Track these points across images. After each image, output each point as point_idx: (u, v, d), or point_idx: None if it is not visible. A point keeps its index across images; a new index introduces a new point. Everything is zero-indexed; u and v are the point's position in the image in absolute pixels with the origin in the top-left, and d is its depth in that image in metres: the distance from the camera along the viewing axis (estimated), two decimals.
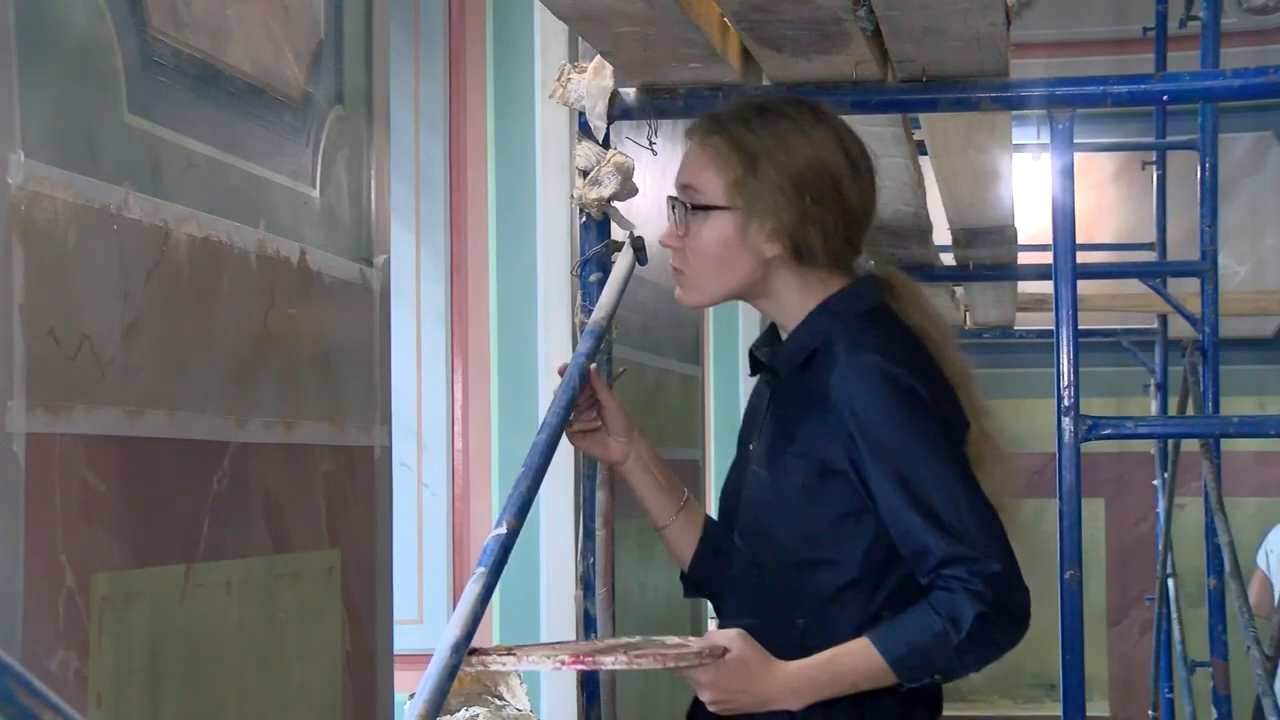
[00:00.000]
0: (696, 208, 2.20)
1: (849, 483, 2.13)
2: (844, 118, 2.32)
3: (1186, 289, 5.98)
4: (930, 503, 2.10)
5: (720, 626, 2.19)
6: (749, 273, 2.20)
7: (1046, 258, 3.25)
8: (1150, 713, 7.38)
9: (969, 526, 2.10)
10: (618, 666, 2.09)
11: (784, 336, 2.25)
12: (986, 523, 2.12)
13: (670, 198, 2.24)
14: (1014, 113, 3.82)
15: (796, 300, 2.22)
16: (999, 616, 2.08)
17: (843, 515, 2.14)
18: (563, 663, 2.09)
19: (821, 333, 2.19)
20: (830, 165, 2.20)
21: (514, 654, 2.12)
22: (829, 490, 2.14)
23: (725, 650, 2.08)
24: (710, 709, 2.14)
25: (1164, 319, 7.20)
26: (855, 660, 2.09)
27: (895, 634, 2.09)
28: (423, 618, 4.42)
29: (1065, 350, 2.82)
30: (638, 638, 2.29)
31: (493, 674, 3.85)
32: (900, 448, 2.12)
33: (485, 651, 2.11)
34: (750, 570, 2.18)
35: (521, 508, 2.08)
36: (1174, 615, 6.77)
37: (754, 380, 2.34)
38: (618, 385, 2.97)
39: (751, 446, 2.23)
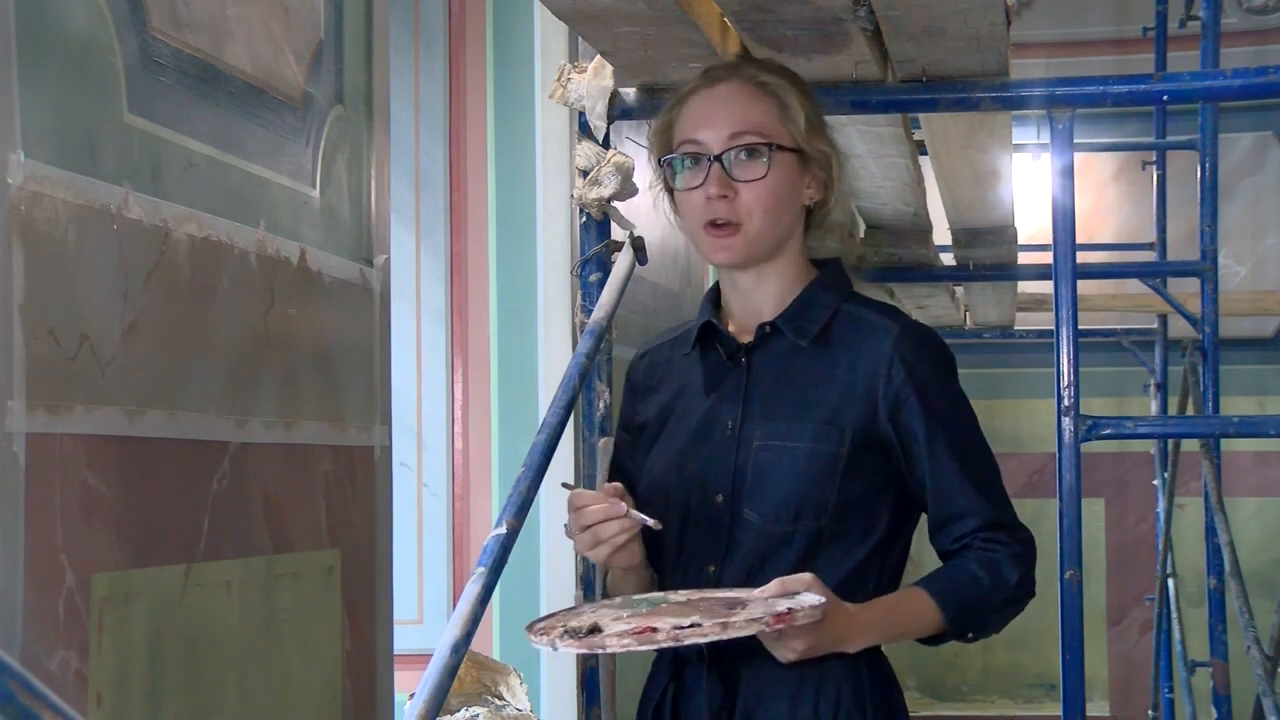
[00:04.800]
0: (781, 148, 2.17)
1: (883, 452, 2.16)
2: (844, 118, 2.33)
3: (1186, 289, 5.98)
4: (977, 469, 2.19)
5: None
6: (792, 220, 2.22)
7: (1046, 258, 3.25)
8: (1150, 713, 7.38)
9: (1001, 494, 2.21)
10: (748, 631, 1.93)
11: (749, 314, 2.23)
12: (1005, 491, 2.23)
13: (713, 157, 2.16)
14: (1014, 113, 3.82)
15: (795, 268, 2.23)
16: (1028, 579, 2.18)
17: (874, 487, 2.16)
18: (700, 627, 1.90)
19: (828, 305, 2.22)
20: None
21: (721, 625, 1.92)
22: (864, 461, 2.15)
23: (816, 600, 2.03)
24: (787, 659, 2.07)
25: (1164, 319, 7.20)
26: (914, 609, 2.14)
27: (948, 588, 2.15)
28: (423, 618, 4.42)
29: (1065, 350, 2.82)
30: (680, 595, 2.11)
31: (492, 673, 3.85)
32: (956, 415, 2.19)
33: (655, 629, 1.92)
34: (762, 540, 2.15)
35: (521, 508, 2.08)
36: (1174, 615, 6.77)
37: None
38: (618, 384, 2.97)
39: (729, 424, 2.20)
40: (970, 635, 2.18)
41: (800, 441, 2.15)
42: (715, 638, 1.93)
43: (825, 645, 2.07)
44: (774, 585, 2.03)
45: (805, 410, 2.17)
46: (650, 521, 2.11)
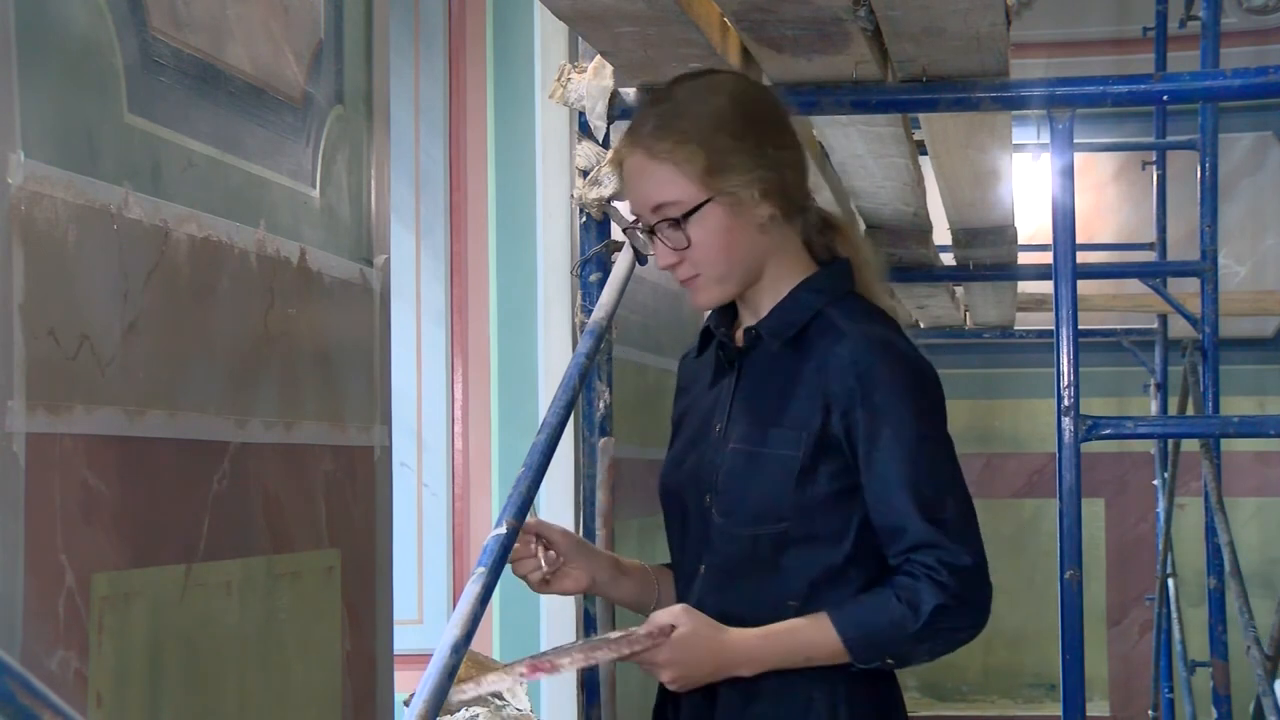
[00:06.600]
0: (685, 217, 2.15)
1: (843, 455, 2.14)
2: (844, 118, 2.31)
3: (1186, 289, 5.98)
4: (918, 483, 2.11)
5: (699, 600, 2.17)
6: (754, 245, 2.18)
7: (1046, 258, 3.25)
8: (1150, 713, 7.38)
9: (949, 515, 2.12)
10: (575, 665, 2.08)
11: (749, 317, 2.24)
12: (965, 514, 2.14)
13: (647, 229, 2.18)
14: (1014, 113, 3.82)
15: (784, 274, 2.21)
16: (958, 609, 2.09)
17: (839, 491, 2.14)
18: (522, 674, 2.09)
19: (810, 307, 2.20)
20: (764, 108, 2.23)
21: (474, 681, 2.11)
22: (824, 463, 2.14)
23: (672, 627, 2.09)
24: (672, 688, 2.14)
25: (1164, 319, 7.20)
26: (812, 636, 2.10)
27: (854, 614, 2.10)
28: (423, 618, 4.42)
29: (1065, 350, 2.82)
30: (594, 637, 2.29)
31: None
32: (900, 423, 2.12)
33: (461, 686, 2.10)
34: (732, 542, 2.17)
35: (521, 508, 2.08)
36: (1174, 615, 6.77)
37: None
38: (618, 384, 2.98)
39: (718, 427, 2.21)
40: (889, 662, 2.13)
41: (763, 445, 2.16)
42: (581, 665, 2.10)
43: (703, 671, 2.11)
44: (650, 619, 2.11)
45: (773, 414, 2.17)
46: (544, 561, 2.21)
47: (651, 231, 2.18)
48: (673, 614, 2.10)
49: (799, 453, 2.14)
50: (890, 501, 2.11)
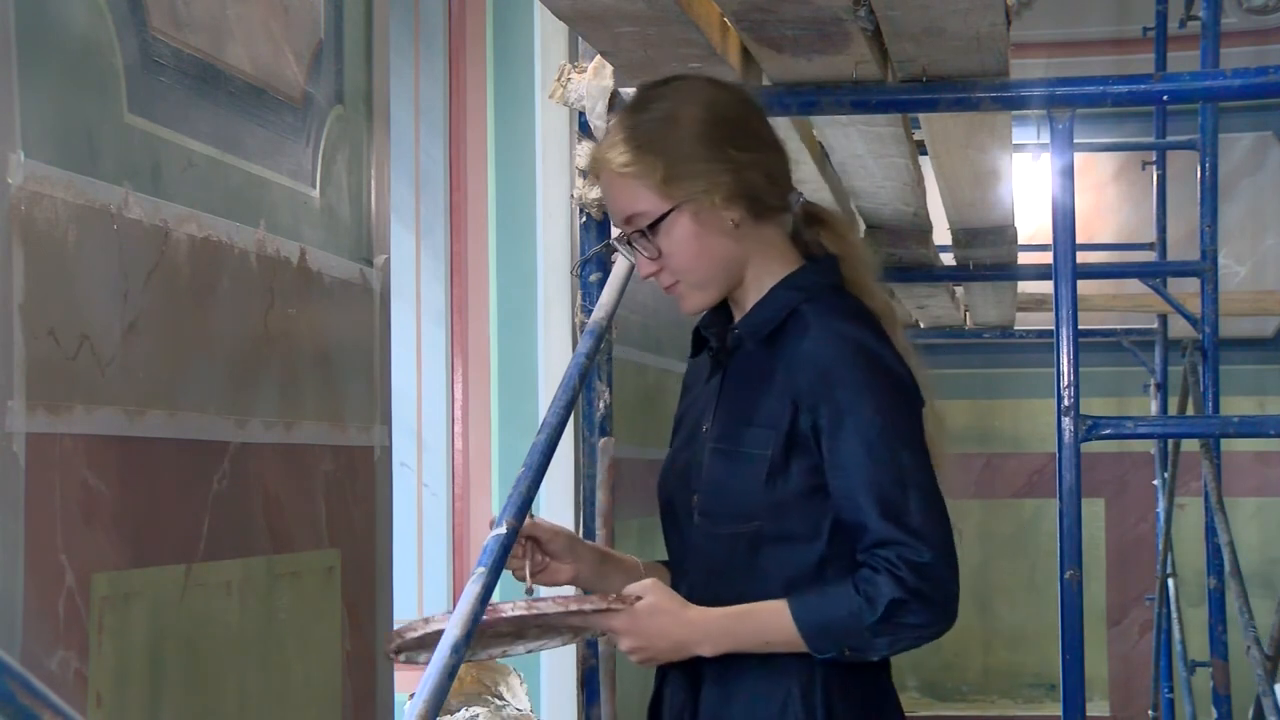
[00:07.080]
0: (652, 227, 2.17)
1: (812, 453, 2.14)
2: (844, 118, 2.30)
3: (1186, 289, 5.98)
4: (879, 480, 2.12)
5: (687, 599, 2.18)
6: (727, 248, 2.18)
7: (1046, 258, 3.26)
8: (1150, 713, 7.38)
9: (911, 511, 2.12)
10: (516, 612, 2.06)
11: (738, 316, 2.24)
12: (930, 509, 2.13)
13: (626, 240, 2.20)
14: (1014, 113, 3.83)
15: (767, 272, 2.21)
16: (916, 604, 2.09)
17: (810, 489, 2.14)
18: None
19: (786, 305, 2.20)
20: (727, 112, 2.22)
21: (424, 620, 2.10)
22: (795, 461, 2.14)
23: (638, 598, 2.10)
24: (632, 659, 2.15)
25: (1164, 319, 7.20)
26: (769, 620, 2.11)
27: (812, 603, 2.11)
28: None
29: (1065, 350, 2.82)
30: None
31: (492, 673, 3.85)
32: (863, 420, 2.13)
33: (400, 633, 2.09)
34: (710, 541, 2.18)
35: (521, 508, 2.08)
36: (1174, 615, 6.77)
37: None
38: (618, 384, 2.98)
39: (705, 427, 2.22)
40: (848, 654, 2.12)
41: (738, 444, 2.18)
42: (523, 613, 2.07)
43: (662, 644, 2.12)
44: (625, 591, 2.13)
45: (747, 413, 2.18)
46: (529, 566, 2.21)
47: (630, 242, 2.20)
48: (641, 586, 2.12)
49: (768, 451, 2.14)
50: (853, 498, 2.12)
